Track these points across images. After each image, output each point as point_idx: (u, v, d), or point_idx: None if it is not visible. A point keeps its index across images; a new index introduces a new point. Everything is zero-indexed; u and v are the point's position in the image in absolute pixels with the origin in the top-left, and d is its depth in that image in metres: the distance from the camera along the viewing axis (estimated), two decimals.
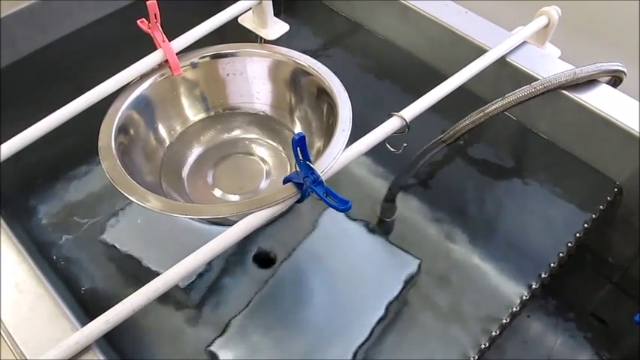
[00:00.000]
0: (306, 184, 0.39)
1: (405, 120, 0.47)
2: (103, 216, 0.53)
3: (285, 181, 0.41)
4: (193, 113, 0.53)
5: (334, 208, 0.38)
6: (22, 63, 0.64)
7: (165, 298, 0.48)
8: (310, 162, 0.39)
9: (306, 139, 0.38)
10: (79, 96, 0.48)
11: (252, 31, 0.59)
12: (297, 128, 0.53)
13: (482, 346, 0.46)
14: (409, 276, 0.48)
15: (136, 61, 0.50)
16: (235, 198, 0.50)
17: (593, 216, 0.54)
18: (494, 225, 0.54)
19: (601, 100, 0.54)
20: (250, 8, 0.58)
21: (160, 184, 0.48)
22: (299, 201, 0.41)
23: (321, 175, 0.39)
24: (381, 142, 0.46)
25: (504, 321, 0.47)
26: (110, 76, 0.49)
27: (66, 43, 0.66)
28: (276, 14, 0.59)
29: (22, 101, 0.61)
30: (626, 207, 0.57)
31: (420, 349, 0.46)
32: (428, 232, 0.53)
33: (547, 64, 0.57)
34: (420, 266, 0.49)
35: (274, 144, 0.54)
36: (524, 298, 0.49)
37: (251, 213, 0.40)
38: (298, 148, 0.38)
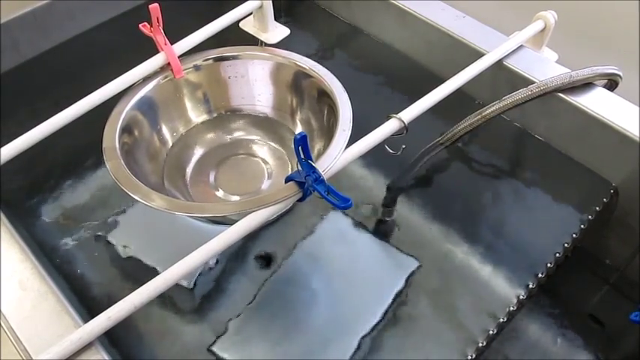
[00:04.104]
0: (308, 182, 0.40)
1: (403, 122, 0.47)
2: (106, 215, 0.53)
3: (287, 180, 0.41)
4: (196, 115, 0.54)
5: (335, 205, 0.39)
6: (25, 66, 0.64)
7: (167, 298, 0.48)
8: (312, 160, 0.40)
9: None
10: (81, 99, 0.49)
11: (252, 35, 0.60)
12: (299, 130, 0.53)
13: (480, 344, 0.47)
14: (408, 276, 0.49)
15: (138, 65, 0.50)
16: (237, 198, 0.50)
17: (590, 217, 0.54)
18: (492, 226, 0.54)
19: (597, 102, 0.55)
20: (251, 12, 0.58)
21: (162, 184, 0.49)
22: (301, 199, 0.42)
23: (322, 173, 0.40)
24: (380, 143, 0.47)
25: (502, 320, 0.48)
26: (112, 80, 0.49)
27: (69, 47, 0.67)
28: (277, 18, 0.60)
29: (25, 104, 0.62)
30: (622, 208, 0.57)
31: (418, 347, 0.46)
32: (427, 233, 0.53)
33: (544, 68, 0.57)
34: (418, 266, 0.50)
35: (276, 145, 0.54)
36: (521, 297, 0.49)
37: (254, 211, 0.40)
38: (300, 147, 0.39)
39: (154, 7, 0.48)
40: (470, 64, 0.54)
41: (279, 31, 0.60)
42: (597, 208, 0.55)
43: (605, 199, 0.56)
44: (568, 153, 0.58)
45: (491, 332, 0.47)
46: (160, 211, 0.41)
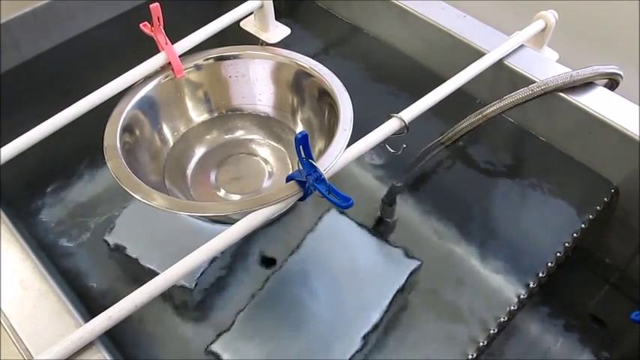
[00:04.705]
0: (309, 181, 0.40)
1: (404, 121, 0.47)
2: (106, 215, 0.53)
3: (288, 179, 0.41)
4: (197, 114, 0.54)
5: (336, 205, 0.39)
6: (26, 66, 0.64)
7: (168, 297, 0.49)
8: (313, 160, 0.39)
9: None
10: (81, 99, 0.48)
11: (253, 35, 0.60)
12: (299, 129, 0.53)
13: (481, 344, 0.47)
14: (409, 275, 0.49)
15: (138, 64, 0.50)
16: (238, 198, 0.50)
17: (590, 216, 0.54)
18: (493, 225, 0.54)
19: (597, 102, 0.55)
20: (252, 12, 0.59)
21: (163, 183, 0.49)
22: (302, 199, 0.42)
23: (323, 172, 0.40)
24: (380, 143, 0.47)
25: (502, 319, 0.48)
26: (113, 79, 0.49)
27: (69, 47, 0.67)
28: (277, 18, 0.60)
29: (26, 104, 0.62)
30: (623, 208, 0.57)
31: (418, 346, 0.46)
32: (427, 233, 0.53)
33: (544, 67, 0.57)
34: (419, 266, 0.50)
35: (277, 145, 0.54)
36: (522, 297, 0.49)
37: (255, 210, 0.40)
38: (301, 147, 0.39)
39: (155, 7, 0.48)
40: (470, 64, 0.54)
41: (279, 31, 0.60)
42: (598, 208, 0.55)
43: (605, 199, 0.56)
44: (569, 152, 0.58)
45: (491, 331, 0.47)
46: (161, 210, 0.41)
